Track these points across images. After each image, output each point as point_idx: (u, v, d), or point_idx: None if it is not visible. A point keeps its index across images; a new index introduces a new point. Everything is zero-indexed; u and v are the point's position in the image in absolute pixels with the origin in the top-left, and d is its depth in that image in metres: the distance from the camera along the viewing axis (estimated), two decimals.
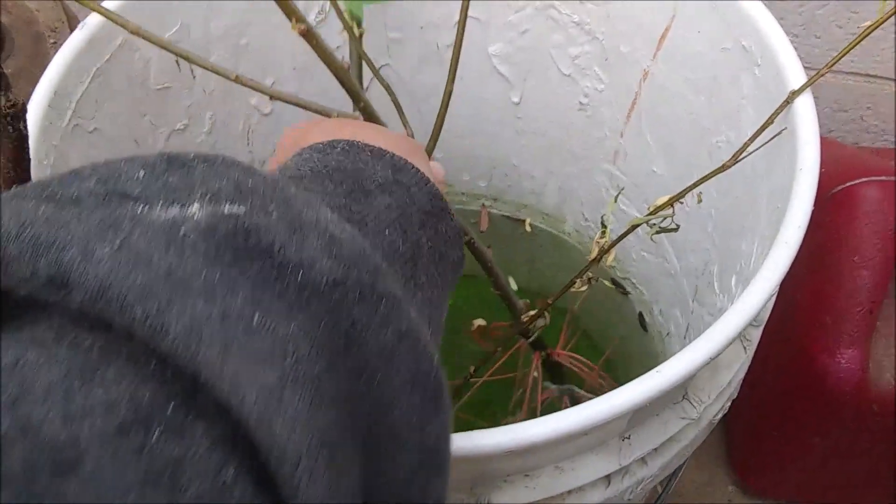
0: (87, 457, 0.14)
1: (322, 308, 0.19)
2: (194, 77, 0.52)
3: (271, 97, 0.32)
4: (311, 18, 0.56)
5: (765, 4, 0.44)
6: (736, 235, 0.47)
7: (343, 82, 0.32)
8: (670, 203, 0.41)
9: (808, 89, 0.41)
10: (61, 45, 0.47)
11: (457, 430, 0.28)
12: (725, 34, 0.46)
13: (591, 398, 0.28)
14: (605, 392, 0.28)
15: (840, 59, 0.41)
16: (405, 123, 0.46)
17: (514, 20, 0.58)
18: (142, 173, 0.20)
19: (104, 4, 0.45)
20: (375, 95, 0.41)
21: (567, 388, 0.57)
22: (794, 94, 0.40)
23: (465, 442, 0.28)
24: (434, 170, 0.35)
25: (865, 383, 0.57)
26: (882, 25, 0.39)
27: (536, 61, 0.60)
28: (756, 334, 0.38)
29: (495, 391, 0.59)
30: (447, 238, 0.28)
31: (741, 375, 0.39)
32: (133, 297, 0.16)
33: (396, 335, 0.20)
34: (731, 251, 0.47)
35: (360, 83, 0.46)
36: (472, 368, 0.52)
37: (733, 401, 0.43)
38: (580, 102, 0.60)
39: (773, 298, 0.40)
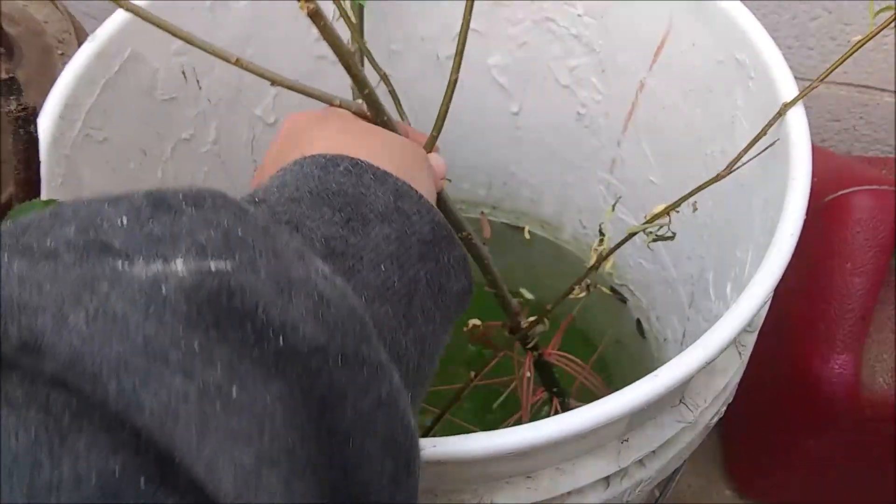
0: None
1: (301, 373, 0.18)
2: (200, 88, 0.53)
3: (272, 83, 0.32)
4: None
5: (758, 17, 0.46)
6: (731, 243, 0.48)
7: (349, 68, 0.31)
8: (667, 212, 0.42)
9: (801, 101, 0.42)
10: (68, 56, 0.48)
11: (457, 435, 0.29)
12: (720, 47, 0.48)
13: (579, 405, 0.29)
14: (596, 391, 0.29)
15: (832, 71, 0.42)
16: (402, 114, 0.47)
17: (513, 33, 0.59)
18: (125, 220, 0.19)
19: (114, 15, 0.47)
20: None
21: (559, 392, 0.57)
22: (787, 106, 0.41)
23: (470, 444, 0.28)
24: (436, 165, 0.35)
25: (858, 388, 0.58)
26: (874, 38, 0.40)
27: (535, 72, 0.61)
28: (751, 340, 0.39)
29: (494, 398, 0.60)
30: (449, 268, 0.27)
31: (736, 380, 0.40)
32: (107, 370, 0.15)
33: (375, 402, 0.20)
34: (727, 258, 0.48)
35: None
36: (472, 374, 0.53)
37: (729, 405, 0.44)
38: (578, 112, 0.62)
39: (768, 305, 0.41)
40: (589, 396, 0.57)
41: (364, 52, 0.45)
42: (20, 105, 0.33)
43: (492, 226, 0.74)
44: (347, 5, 0.45)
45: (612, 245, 0.45)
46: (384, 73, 0.42)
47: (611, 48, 0.56)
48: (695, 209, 0.44)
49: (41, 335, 0.15)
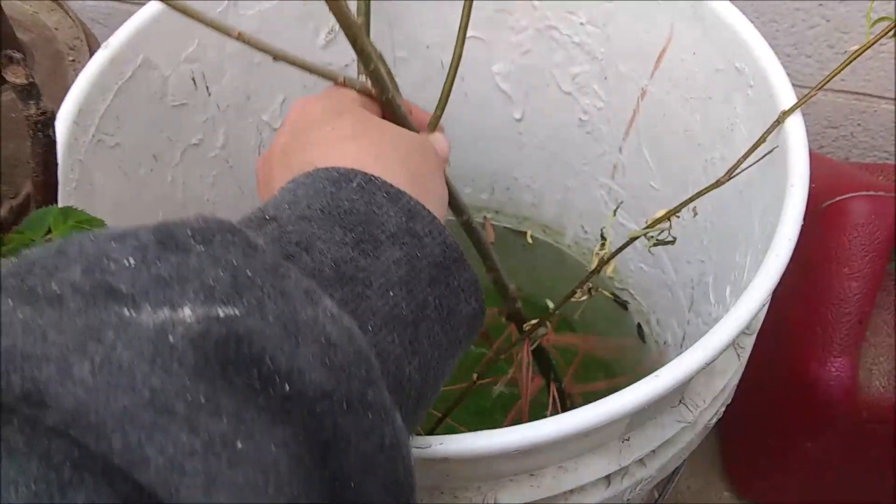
0: None
1: (306, 418, 0.18)
2: (209, 94, 0.55)
3: (275, 58, 0.31)
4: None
5: (757, 26, 0.47)
6: (730, 248, 0.49)
7: (354, 41, 0.30)
8: (667, 217, 0.43)
9: (799, 109, 0.43)
10: (80, 62, 0.49)
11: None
12: (719, 56, 0.49)
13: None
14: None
15: (829, 80, 0.43)
16: (397, 95, 0.47)
17: (516, 40, 0.60)
18: (132, 260, 0.18)
19: (127, 23, 0.48)
20: None
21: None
22: (785, 114, 0.42)
23: (474, 442, 0.29)
24: (438, 144, 0.35)
25: (855, 391, 0.59)
26: (872, 47, 0.41)
27: (538, 79, 0.62)
28: (749, 342, 0.40)
29: (496, 400, 0.61)
30: (460, 291, 0.27)
31: (735, 382, 0.41)
32: (112, 423, 0.15)
33: (379, 446, 0.20)
34: (726, 263, 0.49)
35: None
36: (474, 376, 0.54)
37: (728, 408, 0.45)
38: (580, 119, 0.63)
39: (766, 308, 0.42)
40: (590, 396, 0.58)
41: (366, 25, 0.44)
42: (39, 109, 0.34)
43: (494, 230, 0.75)
44: None
45: (614, 249, 0.46)
46: (379, 54, 0.41)
47: (612, 56, 0.57)
48: (695, 214, 0.45)
49: (45, 386, 0.15)
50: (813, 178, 0.40)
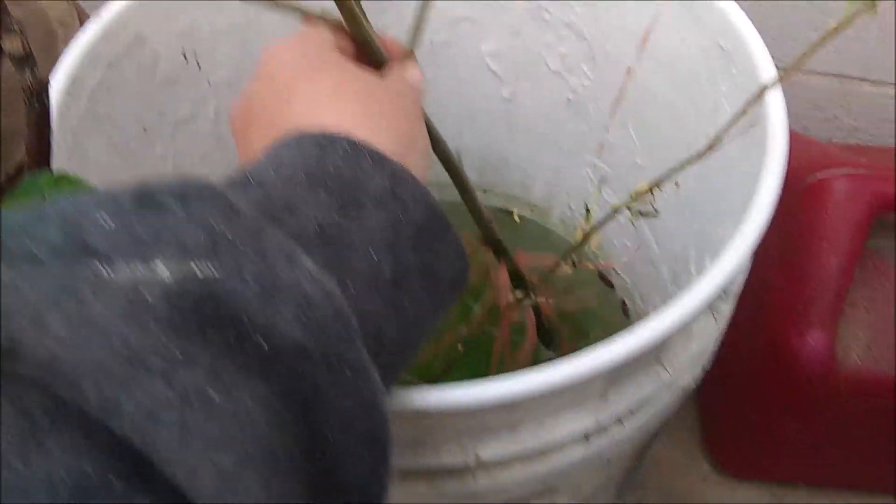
0: None
1: (283, 376, 0.19)
2: (200, 69, 0.55)
3: None
4: None
5: (743, 8, 0.47)
6: (712, 221, 0.50)
7: None
8: (650, 189, 0.44)
9: (778, 85, 0.44)
10: (72, 39, 0.49)
11: None
12: (704, 36, 0.49)
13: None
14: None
15: (809, 58, 0.44)
16: (371, 31, 0.47)
17: (506, 20, 0.61)
18: (109, 220, 0.18)
19: (113, 3, 0.48)
20: None
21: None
22: (765, 88, 0.43)
23: (452, 394, 0.30)
24: (413, 78, 0.34)
25: (833, 364, 0.61)
26: (855, 28, 0.42)
27: (527, 59, 0.63)
28: (726, 308, 0.41)
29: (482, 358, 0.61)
30: (443, 254, 0.27)
31: (712, 347, 0.42)
32: (87, 376, 0.15)
33: (356, 403, 0.20)
34: (708, 236, 0.50)
35: None
36: (460, 347, 0.55)
37: (708, 381, 0.46)
38: (568, 98, 0.63)
39: (744, 274, 0.43)
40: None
41: None
42: (35, 78, 0.35)
43: None
44: None
45: (598, 222, 0.47)
46: None
47: (600, 36, 0.58)
48: (677, 185, 0.46)
49: (19, 339, 0.15)
50: (796, 157, 0.41)
